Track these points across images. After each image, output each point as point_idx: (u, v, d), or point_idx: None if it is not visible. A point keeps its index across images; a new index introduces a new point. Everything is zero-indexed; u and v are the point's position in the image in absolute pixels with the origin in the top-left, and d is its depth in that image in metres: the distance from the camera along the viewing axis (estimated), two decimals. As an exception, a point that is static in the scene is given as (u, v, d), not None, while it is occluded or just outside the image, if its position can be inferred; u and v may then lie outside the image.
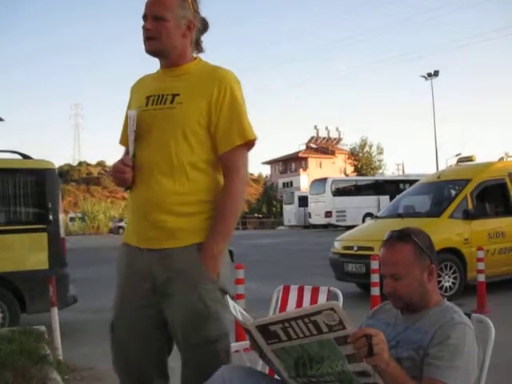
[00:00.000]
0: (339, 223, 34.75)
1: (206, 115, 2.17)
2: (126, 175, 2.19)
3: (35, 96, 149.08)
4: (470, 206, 8.38)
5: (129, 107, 2.41)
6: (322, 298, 3.12)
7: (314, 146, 69.94)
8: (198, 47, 2.35)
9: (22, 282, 5.80)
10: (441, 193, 9.39)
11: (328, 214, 34.74)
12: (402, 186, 37.66)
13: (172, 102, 2.19)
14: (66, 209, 79.65)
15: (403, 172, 54.29)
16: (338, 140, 70.39)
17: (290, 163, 70.16)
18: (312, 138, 70.38)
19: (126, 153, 2.28)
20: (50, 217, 6.09)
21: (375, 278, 6.35)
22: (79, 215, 59.53)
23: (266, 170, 78.89)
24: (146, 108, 2.24)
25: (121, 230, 50.65)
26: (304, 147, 69.75)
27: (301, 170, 66.60)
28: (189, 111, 2.16)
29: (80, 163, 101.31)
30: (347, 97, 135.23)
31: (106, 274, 12.75)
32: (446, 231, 8.21)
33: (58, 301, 5.04)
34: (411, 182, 36.87)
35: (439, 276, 7.88)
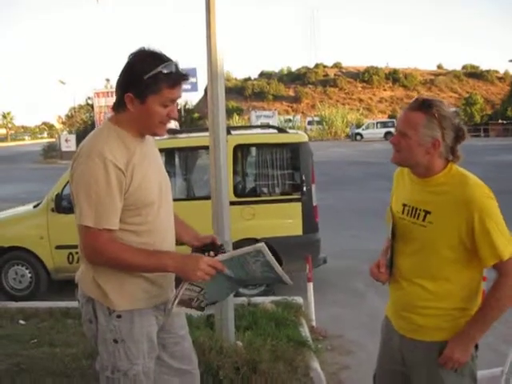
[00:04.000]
0: None
1: (457, 237, 2.32)
2: (379, 278, 2.56)
3: None
4: None
5: (392, 196, 2.71)
6: None
7: None
8: (454, 155, 2.43)
9: (279, 246, 6.52)
10: None
11: None
12: None
13: (424, 219, 2.40)
14: (304, 111, 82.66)
15: None
16: None
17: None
18: None
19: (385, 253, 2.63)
20: (304, 188, 6.67)
21: None
22: (317, 119, 60.95)
23: (515, 69, 72.18)
24: (403, 216, 2.51)
25: (358, 137, 51.42)
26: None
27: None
28: (440, 232, 2.35)
29: (317, 65, 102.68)
30: None
31: (349, 201, 13.40)
32: None
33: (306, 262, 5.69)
34: None
35: None
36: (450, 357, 2.35)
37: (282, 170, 6.85)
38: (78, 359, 4.19)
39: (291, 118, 61.48)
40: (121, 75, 2.29)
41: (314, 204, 6.80)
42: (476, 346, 2.47)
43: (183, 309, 2.40)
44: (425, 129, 2.35)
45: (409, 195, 2.52)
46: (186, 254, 2.37)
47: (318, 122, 59.11)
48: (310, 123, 60.33)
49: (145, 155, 2.36)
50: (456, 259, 2.36)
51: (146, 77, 2.21)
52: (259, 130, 7.50)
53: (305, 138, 6.97)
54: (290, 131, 7.68)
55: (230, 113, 55.78)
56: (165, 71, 2.23)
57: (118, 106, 2.31)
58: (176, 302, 2.31)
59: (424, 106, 2.37)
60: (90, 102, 43.30)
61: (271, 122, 42.58)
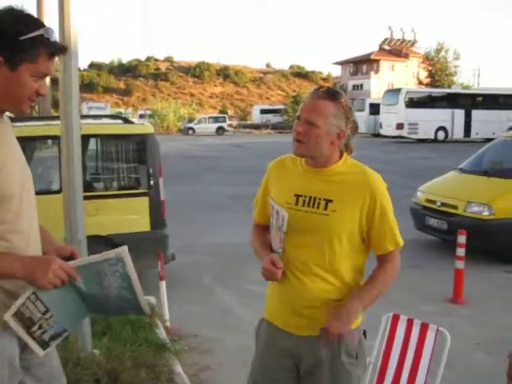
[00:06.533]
0: (411, 136, 34.27)
1: (358, 224, 2.30)
2: (277, 276, 2.34)
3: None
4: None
5: (266, 188, 2.55)
6: (431, 335, 3.33)
7: (387, 47, 67.52)
8: (347, 149, 2.41)
9: (126, 243, 6.18)
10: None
11: (400, 126, 34.21)
12: (478, 99, 36.56)
13: (326, 208, 2.29)
14: (135, 104, 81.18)
15: (478, 77, 52.51)
16: (413, 42, 67.61)
17: (362, 65, 68.27)
18: (386, 39, 67.81)
19: (267, 247, 2.46)
20: (152, 181, 6.39)
21: (461, 251, 6.47)
22: (149, 112, 60.13)
23: (337, 71, 77.06)
24: (297, 207, 2.35)
25: (190, 131, 51.55)
26: (377, 48, 67.48)
27: (372, 72, 64.89)
28: (343, 220, 2.29)
29: (148, 58, 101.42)
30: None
31: (185, 195, 13.33)
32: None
33: (155, 259, 5.46)
34: (488, 97, 35.98)
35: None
36: (328, 328, 2.25)
37: (127, 162, 6.51)
38: None
39: (122, 111, 60.04)
40: None
41: (162, 198, 6.53)
42: (364, 333, 2.47)
43: (20, 331, 1.91)
44: (334, 118, 2.27)
45: (303, 185, 2.39)
46: (35, 256, 1.99)
47: (150, 116, 58.33)
48: (141, 117, 59.19)
49: (4, 139, 1.94)
50: (352, 249, 2.34)
51: (22, 38, 1.81)
52: (103, 121, 7.08)
53: (151, 130, 6.67)
54: (136, 122, 7.34)
55: (58, 104, 52.75)
56: (46, 36, 1.85)
57: None
58: (12, 310, 1.87)
59: (331, 95, 2.29)
60: None
61: (104, 114, 41.18)
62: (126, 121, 6.89)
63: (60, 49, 1.93)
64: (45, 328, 1.95)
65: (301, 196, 2.37)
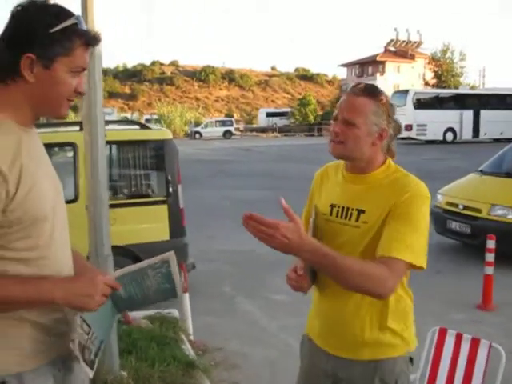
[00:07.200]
0: (419, 137, 34.03)
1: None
2: (298, 285, 2.08)
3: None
4: None
5: (311, 198, 2.36)
6: (483, 352, 3.11)
7: (392, 49, 67.32)
8: (390, 152, 2.20)
9: (145, 253, 6.01)
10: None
11: (408, 128, 33.84)
12: (486, 100, 36.37)
13: (357, 219, 2.08)
14: (141, 109, 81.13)
15: (483, 78, 52.46)
16: (419, 43, 67.27)
17: (367, 67, 68.10)
18: (391, 40, 67.58)
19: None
20: (170, 189, 6.20)
21: (490, 257, 6.27)
22: (155, 117, 60.08)
23: (343, 73, 76.85)
24: (331, 218, 2.16)
25: (197, 135, 51.39)
26: (382, 50, 67.27)
27: (378, 74, 64.66)
28: (373, 232, 2.04)
29: (153, 63, 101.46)
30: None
31: (196, 201, 13.15)
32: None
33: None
34: (496, 97, 35.78)
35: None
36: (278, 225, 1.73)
37: (145, 169, 6.34)
38: None
39: (128, 115, 60.01)
40: (8, 31, 1.61)
41: (181, 206, 6.35)
42: (411, 360, 2.20)
43: (81, 361, 1.70)
44: (374, 116, 2.06)
45: (339, 195, 2.19)
46: (70, 276, 1.74)
47: (156, 120, 58.24)
48: (147, 121, 59.26)
49: (33, 151, 1.68)
50: None
51: (53, 30, 1.58)
52: (118, 126, 6.89)
53: (169, 135, 6.49)
54: (153, 127, 7.15)
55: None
56: (79, 25, 1.63)
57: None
58: (77, 346, 1.67)
59: (369, 92, 2.08)
60: None
61: (110, 119, 41.08)
62: (143, 126, 6.71)
63: (94, 38, 1.69)
64: (90, 348, 1.77)
65: (335, 206, 2.17)
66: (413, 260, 1.95)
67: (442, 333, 3.28)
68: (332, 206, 2.18)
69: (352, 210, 2.11)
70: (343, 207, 2.14)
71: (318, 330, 2.29)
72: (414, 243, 1.97)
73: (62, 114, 1.71)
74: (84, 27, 1.65)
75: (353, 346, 2.15)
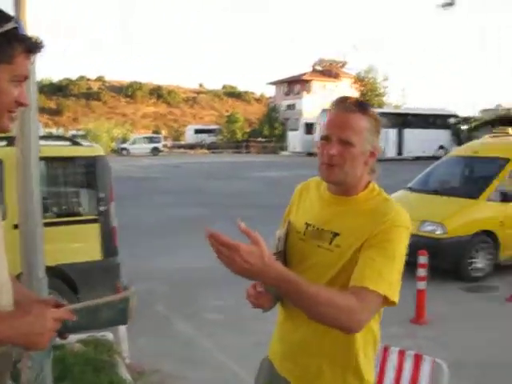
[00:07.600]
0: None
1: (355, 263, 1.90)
2: (257, 302, 2.02)
3: None
4: (508, 188, 8.36)
5: (288, 214, 2.23)
6: (426, 368, 3.13)
7: (319, 68, 68.84)
8: (373, 172, 2.05)
9: (76, 274, 5.80)
10: (478, 170, 9.35)
11: (335, 145, 34.71)
12: (409, 119, 37.82)
13: (330, 242, 1.96)
14: (66, 124, 79.13)
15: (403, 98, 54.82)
16: (344, 64, 68.99)
17: (295, 85, 69.18)
18: (319, 60, 69.17)
19: None
20: (102, 207, 6.00)
21: (422, 272, 6.42)
22: (81, 133, 58.71)
23: (271, 91, 77.69)
24: (304, 238, 2.05)
25: (124, 152, 50.53)
26: (311, 69, 68.78)
27: (304, 92, 65.82)
28: (345, 258, 1.92)
29: (80, 78, 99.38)
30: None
31: (128, 219, 12.89)
32: (483, 213, 8.26)
33: (108, 289, 5.09)
34: (419, 116, 37.29)
35: (475, 258, 8.03)
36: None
37: (76, 187, 6.11)
38: None
39: (53, 131, 58.35)
40: None
41: (114, 225, 6.15)
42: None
43: None
44: (368, 133, 1.93)
45: (316, 214, 2.06)
46: (15, 311, 1.55)
47: (83, 136, 56.91)
48: (73, 137, 57.78)
49: None
50: None
51: None
52: (48, 142, 6.59)
53: (101, 152, 6.29)
54: (85, 143, 6.91)
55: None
56: (19, 30, 1.47)
57: None
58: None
59: (362, 107, 1.94)
60: None
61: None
62: (74, 142, 6.48)
63: (36, 44, 1.52)
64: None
65: (310, 225, 2.05)
66: (387, 292, 1.81)
67: (385, 350, 3.27)
68: (307, 224, 2.06)
69: (327, 231, 1.99)
70: (318, 228, 2.02)
71: (280, 355, 2.16)
72: (389, 275, 1.83)
73: (3, 127, 1.52)
74: (24, 32, 1.50)
75: (316, 379, 2.03)
